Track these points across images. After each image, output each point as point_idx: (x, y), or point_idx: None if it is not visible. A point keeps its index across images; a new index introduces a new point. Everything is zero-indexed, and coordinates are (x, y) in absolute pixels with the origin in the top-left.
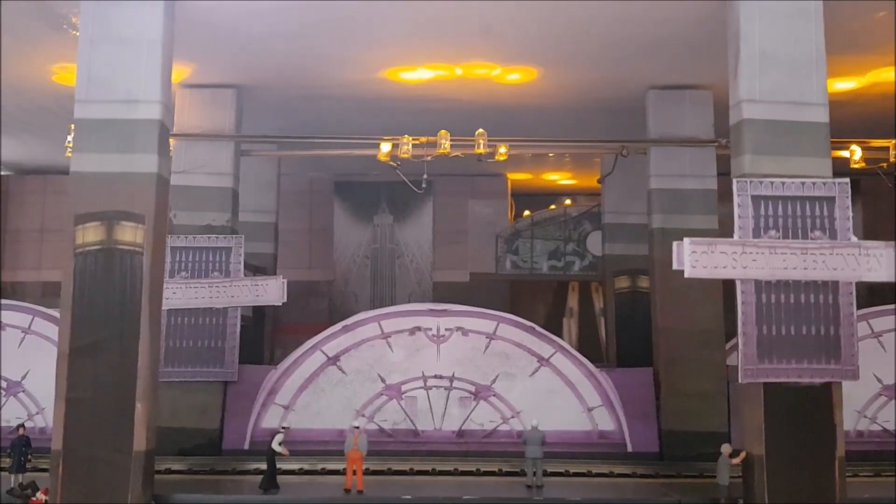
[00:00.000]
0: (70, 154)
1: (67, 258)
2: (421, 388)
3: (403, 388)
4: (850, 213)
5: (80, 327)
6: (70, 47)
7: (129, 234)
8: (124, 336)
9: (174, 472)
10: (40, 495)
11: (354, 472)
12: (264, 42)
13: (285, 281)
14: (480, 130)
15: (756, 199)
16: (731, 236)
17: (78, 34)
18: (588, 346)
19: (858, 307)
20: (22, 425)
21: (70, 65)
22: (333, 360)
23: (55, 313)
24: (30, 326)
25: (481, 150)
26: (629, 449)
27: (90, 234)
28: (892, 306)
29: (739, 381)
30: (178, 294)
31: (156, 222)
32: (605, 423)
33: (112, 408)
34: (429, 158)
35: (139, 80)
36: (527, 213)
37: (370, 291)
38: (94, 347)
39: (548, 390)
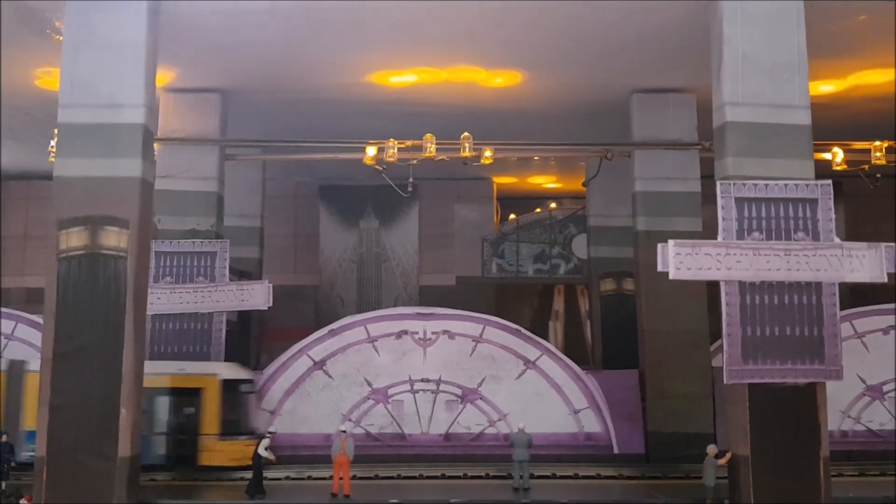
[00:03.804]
0: (53, 159)
1: (51, 263)
2: (408, 391)
3: (390, 391)
4: (833, 215)
5: (63, 333)
6: (54, 52)
7: (113, 238)
8: (108, 341)
9: (158, 475)
10: (24, 502)
11: (341, 477)
12: (249, 46)
13: (271, 285)
14: (466, 134)
15: (739, 201)
16: (716, 238)
17: (62, 38)
18: (574, 349)
19: (841, 308)
20: (4, 432)
21: (54, 69)
22: (320, 364)
23: (38, 319)
24: (13, 332)
25: (467, 153)
26: (615, 451)
27: (74, 239)
28: (874, 307)
29: (724, 381)
30: (163, 299)
31: (140, 227)
32: (592, 425)
33: (96, 413)
34: (414, 162)
35: (123, 84)
36: (512, 216)
37: (356, 295)
38: (77, 353)
39: (534, 393)
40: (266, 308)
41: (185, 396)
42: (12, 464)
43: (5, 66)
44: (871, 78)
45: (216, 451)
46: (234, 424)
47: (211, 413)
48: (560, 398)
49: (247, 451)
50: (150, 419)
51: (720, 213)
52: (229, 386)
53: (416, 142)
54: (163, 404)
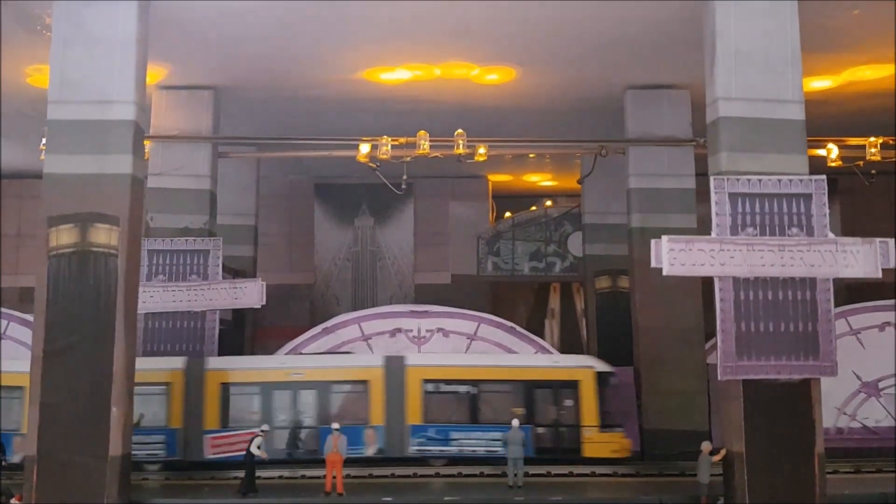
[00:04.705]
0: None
1: (41, 261)
2: None
3: None
4: (827, 210)
5: (54, 331)
6: (44, 48)
7: (104, 236)
8: (99, 339)
9: (153, 475)
10: (14, 502)
11: (334, 476)
12: (242, 43)
13: (264, 283)
14: (460, 131)
15: (733, 197)
16: (710, 234)
17: (51, 35)
18: (570, 346)
19: (836, 305)
20: None
21: (45, 67)
22: None
23: (30, 318)
24: (5, 331)
25: (461, 150)
26: None
27: (64, 237)
28: (870, 304)
29: (718, 377)
30: (156, 297)
31: (130, 224)
32: None
33: (87, 412)
34: (408, 159)
35: (113, 80)
36: (508, 214)
37: (351, 294)
38: (68, 351)
39: None
40: (259, 306)
41: (564, 389)
42: (4, 462)
43: None
44: (867, 74)
45: (598, 442)
46: (609, 416)
47: (589, 405)
48: None
49: (625, 442)
50: (530, 412)
51: (714, 209)
52: (602, 378)
53: (409, 139)
54: (543, 397)
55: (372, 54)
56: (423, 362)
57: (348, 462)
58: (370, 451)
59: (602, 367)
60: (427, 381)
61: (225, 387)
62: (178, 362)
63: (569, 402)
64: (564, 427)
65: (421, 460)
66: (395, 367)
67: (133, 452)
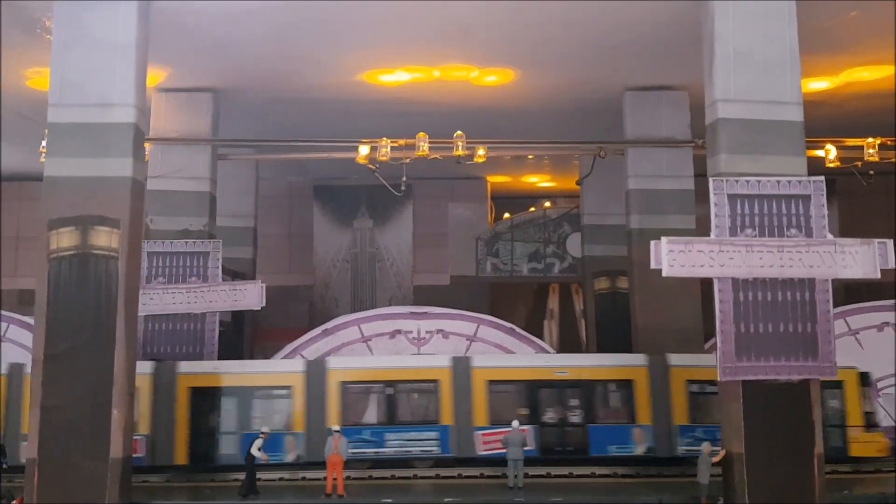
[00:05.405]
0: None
1: (41, 264)
2: None
3: None
4: (826, 211)
5: (54, 334)
6: (44, 51)
7: (104, 238)
8: (100, 342)
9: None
10: None
11: (335, 478)
12: (241, 45)
13: (264, 285)
14: (459, 133)
15: (732, 198)
16: (709, 236)
17: (52, 38)
18: (569, 347)
19: (835, 305)
20: None
21: (44, 69)
22: None
23: (30, 320)
24: (5, 334)
25: (460, 152)
26: None
27: (64, 240)
28: (868, 304)
29: (718, 378)
30: (156, 300)
31: (131, 226)
32: None
33: (88, 415)
34: (407, 161)
35: (113, 83)
36: (506, 215)
37: (351, 296)
38: (69, 354)
39: None
40: (259, 308)
41: (830, 389)
42: (4, 466)
43: None
44: (865, 75)
45: (864, 442)
46: (871, 416)
47: (854, 405)
48: None
49: (886, 442)
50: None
51: (713, 210)
52: (863, 378)
53: (408, 141)
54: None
55: (371, 56)
56: (686, 363)
57: (619, 461)
58: (640, 451)
59: (862, 367)
60: (691, 381)
61: (491, 384)
62: (444, 360)
63: (834, 403)
64: (831, 427)
65: (687, 460)
66: (658, 367)
67: (407, 450)
